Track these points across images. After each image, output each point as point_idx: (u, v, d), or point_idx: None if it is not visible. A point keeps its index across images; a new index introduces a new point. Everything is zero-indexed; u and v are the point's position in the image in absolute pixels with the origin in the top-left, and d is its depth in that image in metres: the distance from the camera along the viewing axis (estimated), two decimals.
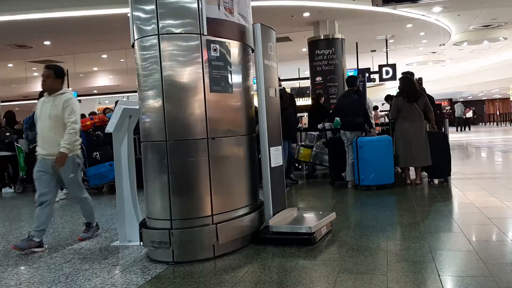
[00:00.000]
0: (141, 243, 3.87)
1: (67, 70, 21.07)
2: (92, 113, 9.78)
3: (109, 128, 4.31)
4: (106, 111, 9.76)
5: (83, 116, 8.76)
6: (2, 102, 15.91)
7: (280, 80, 6.91)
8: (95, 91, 24.26)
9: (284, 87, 8.14)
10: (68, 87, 19.79)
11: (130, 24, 3.89)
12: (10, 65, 17.18)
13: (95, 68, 21.34)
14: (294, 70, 21.20)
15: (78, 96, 20.72)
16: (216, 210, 3.78)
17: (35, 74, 20.72)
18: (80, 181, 4.67)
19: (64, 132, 4.33)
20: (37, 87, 20.82)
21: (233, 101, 4.01)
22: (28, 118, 7.98)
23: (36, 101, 8.20)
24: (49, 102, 4.44)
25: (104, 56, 17.61)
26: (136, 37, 3.82)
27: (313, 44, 13.33)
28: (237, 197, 4.01)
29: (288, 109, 7.26)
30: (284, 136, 6.63)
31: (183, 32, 3.72)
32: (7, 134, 8.98)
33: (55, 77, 4.47)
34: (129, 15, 3.91)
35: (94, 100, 24.71)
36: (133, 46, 3.93)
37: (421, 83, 8.92)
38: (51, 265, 3.74)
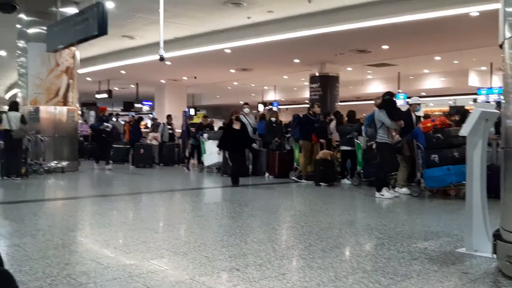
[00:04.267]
0: (494, 255, 3.63)
1: (399, 73, 21.34)
2: (427, 116, 9.77)
3: (464, 132, 4.18)
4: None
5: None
6: (341, 102, 17.67)
7: None
8: (423, 93, 24.20)
9: None
10: (399, 89, 20.47)
11: (500, 22, 3.65)
12: (350, 68, 18.90)
13: (425, 71, 21.28)
14: None
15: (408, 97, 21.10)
16: None
17: (369, 76, 22.17)
18: None
19: None
20: (371, 89, 22.30)
21: None
22: (369, 116, 8.58)
23: (371, 102, 8.75)
24: None
25: (438, 58, 17.35)
26: (508, 35, 3.55)
27: None
28: None
29: None
30: None
31: None
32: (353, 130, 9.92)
33: None
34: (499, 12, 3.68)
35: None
36: (501, 46, 3.68)
37: None
38: (400, 259, 3.90)
